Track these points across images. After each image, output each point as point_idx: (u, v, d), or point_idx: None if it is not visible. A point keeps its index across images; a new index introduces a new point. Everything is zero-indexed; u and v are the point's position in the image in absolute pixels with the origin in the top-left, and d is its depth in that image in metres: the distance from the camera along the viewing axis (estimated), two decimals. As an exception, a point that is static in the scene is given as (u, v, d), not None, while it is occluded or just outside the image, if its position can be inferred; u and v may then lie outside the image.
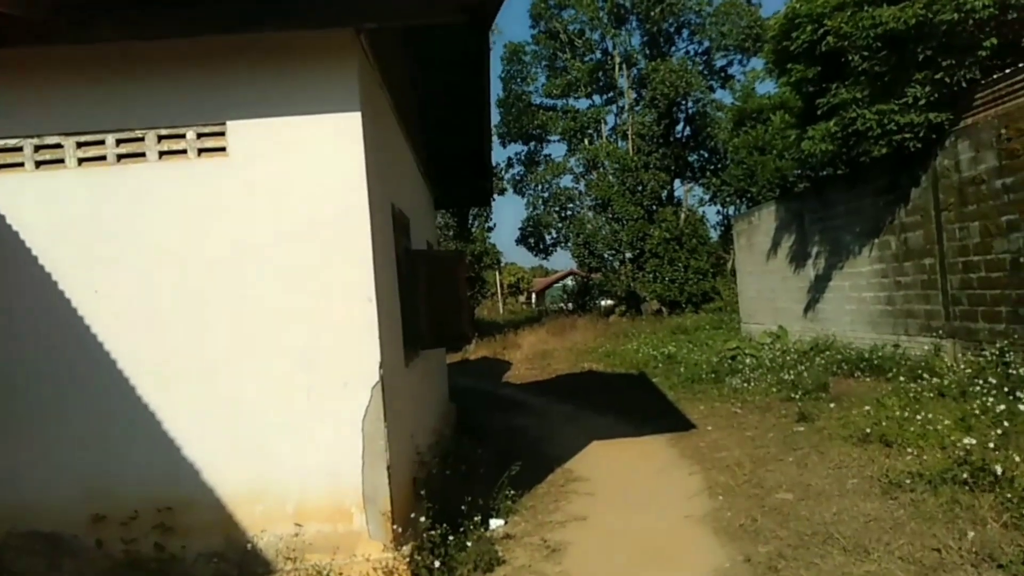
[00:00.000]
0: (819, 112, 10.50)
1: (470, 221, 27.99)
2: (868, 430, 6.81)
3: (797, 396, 9.31)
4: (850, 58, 9.72)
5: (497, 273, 57.97)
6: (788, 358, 12.32)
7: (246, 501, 4.10)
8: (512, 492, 5.87)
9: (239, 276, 4.14)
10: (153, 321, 4.11)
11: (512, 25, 76.51)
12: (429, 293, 6.41)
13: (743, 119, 20.94)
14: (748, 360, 13.01)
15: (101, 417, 4.10)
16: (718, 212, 34.64)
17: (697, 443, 8.06)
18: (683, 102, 31.04)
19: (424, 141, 9.09)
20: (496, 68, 39.68)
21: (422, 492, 4.87)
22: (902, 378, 9.48)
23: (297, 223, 4.15)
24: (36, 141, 4.10)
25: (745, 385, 11.00)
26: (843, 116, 10.02)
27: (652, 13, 29.35)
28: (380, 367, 4.14)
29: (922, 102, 9.33)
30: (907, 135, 9.56)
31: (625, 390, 13.25)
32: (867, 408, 7.59)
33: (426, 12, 4.23)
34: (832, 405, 8.40)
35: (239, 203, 4.14)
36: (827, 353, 11.97)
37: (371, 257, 4.13)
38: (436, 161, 10.17)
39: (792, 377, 10.32)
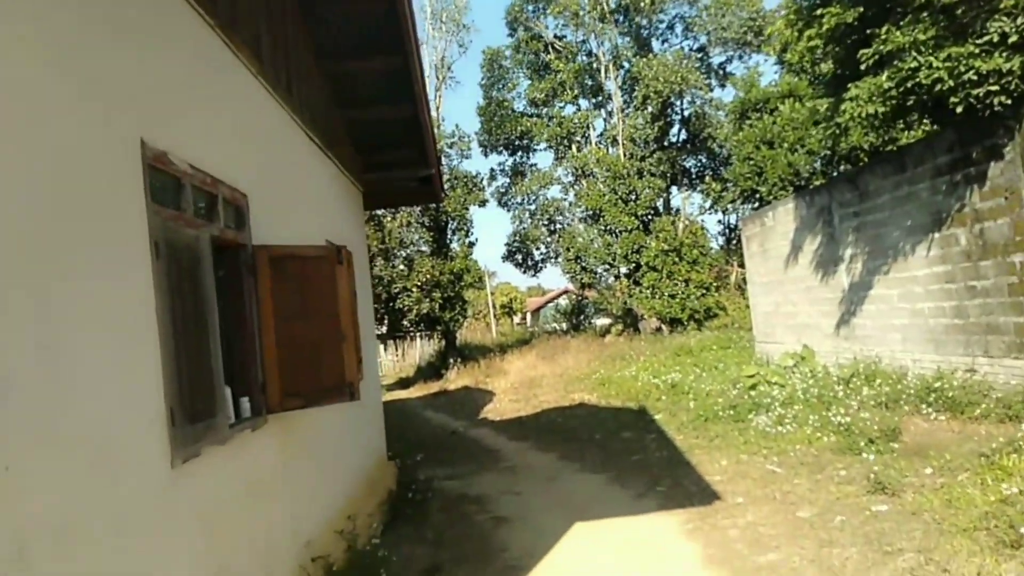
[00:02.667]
0: (863, 66, 7.99)
1: (448, 236, 25.44)
2: (1010, 521, 4.18)
3: (861, 447, 6.70)
4: (908, -13, 7.25)
5: (488, 293, 55.65)
6: (826, 389, 9.72)
7: None
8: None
9: None
10: None
11: (491, 29, 72.81)
12: (280, 319, 3.82)
13: (747, 111, 18.53)
14: (775, 391, 10.39)
15: None
16: (719, 222, 32.18)
17: (727, 531, 5.42)
18: (678, 102, 28.70)
19: (328, 104, 6.57)
20: (475, 75, 37.07)
21: None
22: (994, 416, 6.93)
23: None
24: None
25: (779, 428, 8.37)
26: (899, 67, 7.51)
27: (641, 4, 27.05)
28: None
29: (1013, 39, 6.84)
30: (992, 87, 7.04)
31: (622, 432, 10.61)
32: (983, 475, 4.98)
33: None
34: (928, 469, 5.76)
35: None
36: (877, 382, 9.36)
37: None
38: (359, 139, 7.64)
39: (846, 418, 7.68)
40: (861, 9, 8.01)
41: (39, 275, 1.98)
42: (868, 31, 8.00)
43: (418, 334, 34.35)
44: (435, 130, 7.18)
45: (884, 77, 7.66)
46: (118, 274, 2.45)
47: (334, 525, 4.95)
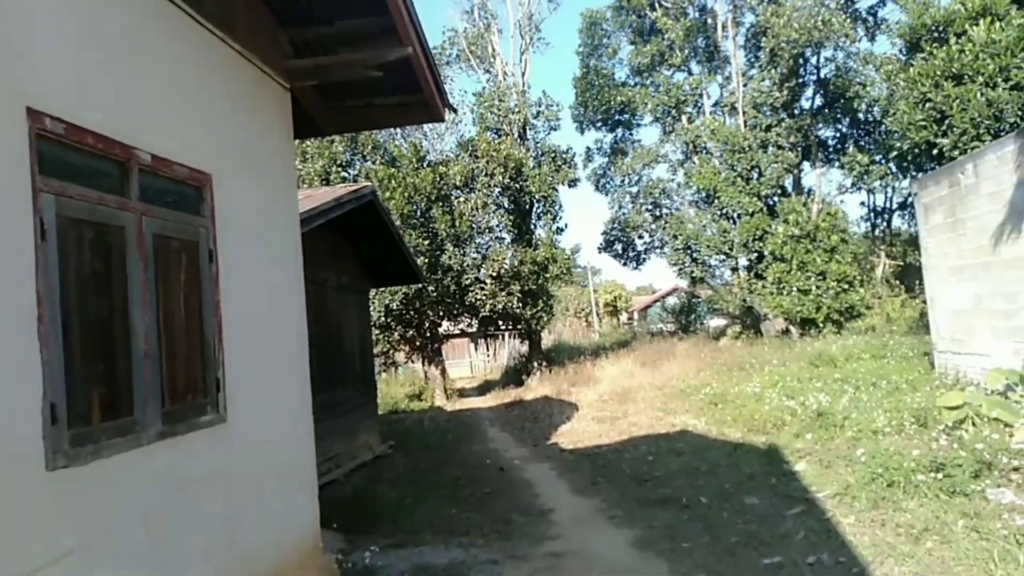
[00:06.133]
0: None
1: (532, 221, 21.88)
2: None
3: None
4: None
5: (591, 291, 51.85)
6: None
7: None
8: None
9: None
10: None
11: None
12: None
13: (919, 41, 13.82)
14: (1010, 438, 6.17)
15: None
16: (862, 203, 26.83)
17: None
18: (814, 58, 23.83)
19: None
20: (573, 42, 33.02)
21: None
22: None
23: None
24: None
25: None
26: None
27: (769, -59, 22.46)
28: None
29: None
30: None
31: (743, 493, 6.69)
32: None
33: None
34: None
35: None
36: None
37: None
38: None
39: None
40: None
41: None
42: None
43: (506, 332, 31.02)
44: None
45: None
46: None
47: None
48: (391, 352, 21.78)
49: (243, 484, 3.63)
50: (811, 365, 14.46)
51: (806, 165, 25.11)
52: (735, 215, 23.69)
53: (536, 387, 20.03)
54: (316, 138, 5.49)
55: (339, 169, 19.06)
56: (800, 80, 24.27)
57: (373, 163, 19.35)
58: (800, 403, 10.34)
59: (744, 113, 24.11)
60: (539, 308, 20.61)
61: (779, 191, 23.82)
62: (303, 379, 4.55)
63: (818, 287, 21.10)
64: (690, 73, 26.39)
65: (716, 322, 31.36)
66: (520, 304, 19.96)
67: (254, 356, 3.86)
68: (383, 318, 19.52)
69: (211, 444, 3.36)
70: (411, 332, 20.53)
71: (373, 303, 18.62)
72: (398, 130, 21.39)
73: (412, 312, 19.59)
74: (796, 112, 24.55)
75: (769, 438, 9.13)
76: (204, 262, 3.44)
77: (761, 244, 22.46)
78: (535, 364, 21.91)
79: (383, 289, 18.13)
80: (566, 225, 26.50)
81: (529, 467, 9.62)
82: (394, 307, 18.97)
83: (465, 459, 10.68)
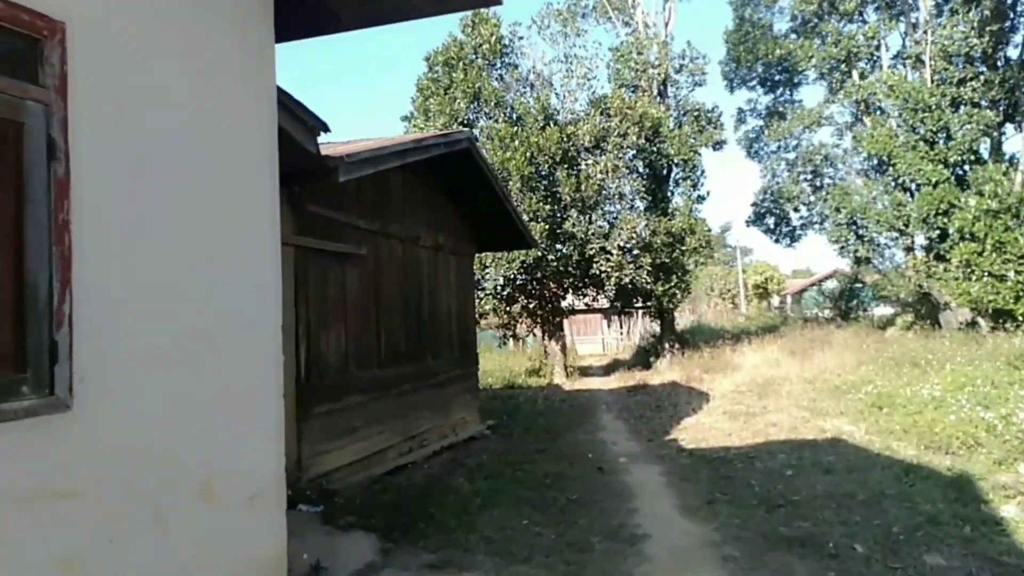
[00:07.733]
0: None
1: (669, 187, 19.71)
2: None
3: None
4: None
5: (740, 271, 48.34)
6: None
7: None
8: None
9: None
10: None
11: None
12: None
13: None
14: None
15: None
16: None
17: None
18: (1026, -5, 19.71)
19: None
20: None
21: None
22: None
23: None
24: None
25: None
26: None
27: None
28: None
29: None
30: None
31: (921, 542, 4.72)
32: None
33: None
34: None
35: None
36: None
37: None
38: None
39: None
40: None
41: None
42: None
43: (640, 310, 28.99)
44: None
45: None
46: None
47: None
48: (512, 324, 20.63)
49: (110, 506, 2.36)
50: (1010, 366, 11.61)
51: (1009, 127, 20.99)
52: (914, 186, 20.25)
53: (664, 371, 18.12)
54: (339, 32, 4.18)
55: (461, 127, 17.97)
56: (1006, 24, 20.16)
57: (496, 121, 18.07)
58: (1002, 417, 7.93)
59: (932, 66, 20.42)
60: (672, 284, 18.57)
61: (973, 157, 20.02)
62: (268, 352, 3.24)
63: (1019, 272, 17.46)
64: (864, 22, 22.84)
65: (882, 310, 27.63)
66: (651, 279, 18.04)
67: (157, 311, 2.58)
68: (503, 288, 18.38)
69: (30, 447, 2.11)
70: (533, 304, 19.25)
71: (489, 271, 17.51)
72: (527, 88, 19.88)
73: (533, 283, 18.27)
74: (999, 63, 20.49)
75: (957, 461, 6.90)
76: (37, 157, 2.17)
77: (946, 220, 19.00)
78: (666, 346, 19.94)
79: (500, 257, 16.93)
80: (708, 193, 23.94)
81: (635, 469, 7.98)
82: (512, 276, 17.72)
83: (565, 450, 9.20)
